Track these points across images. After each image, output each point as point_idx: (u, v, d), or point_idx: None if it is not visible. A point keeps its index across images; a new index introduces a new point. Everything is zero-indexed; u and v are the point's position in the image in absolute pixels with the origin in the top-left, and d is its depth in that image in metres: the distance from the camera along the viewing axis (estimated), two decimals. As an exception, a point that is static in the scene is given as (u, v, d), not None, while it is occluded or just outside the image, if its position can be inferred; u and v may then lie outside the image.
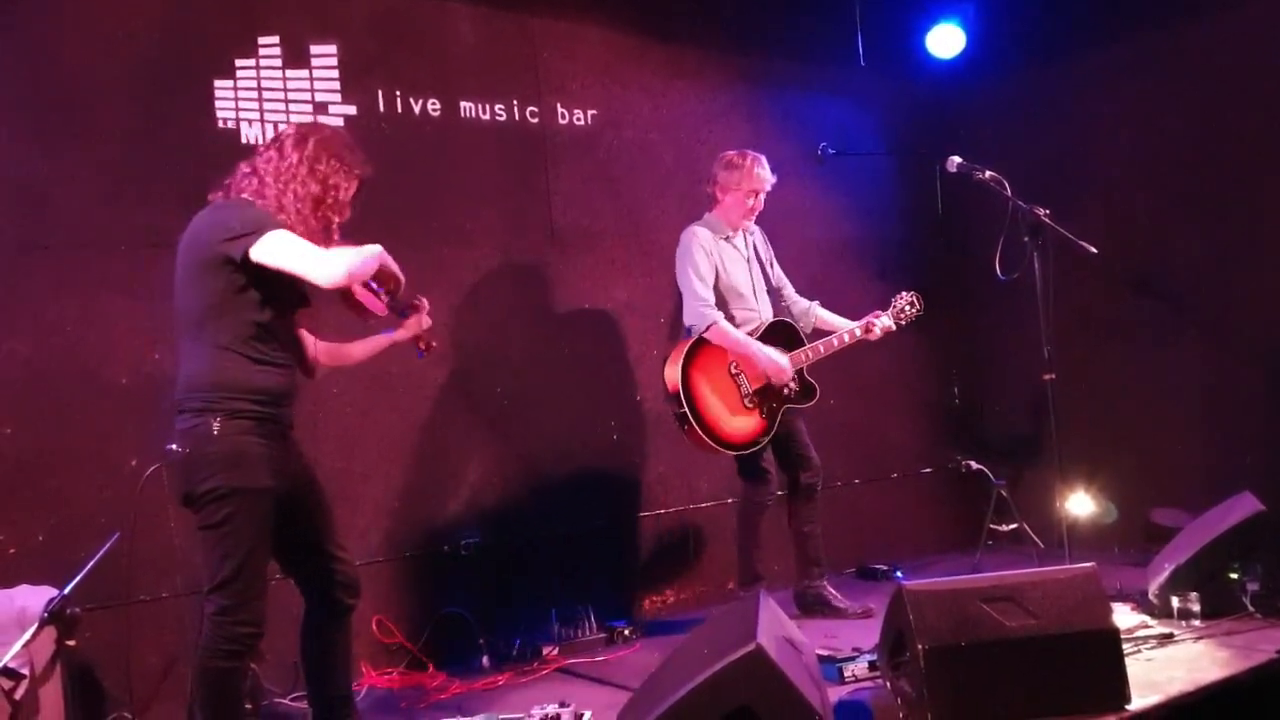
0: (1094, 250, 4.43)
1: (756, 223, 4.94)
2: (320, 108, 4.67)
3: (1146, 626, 4.02)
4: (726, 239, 4.81)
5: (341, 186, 3.24)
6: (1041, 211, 4.39)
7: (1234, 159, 5.41)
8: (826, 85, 6.26)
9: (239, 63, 4.51)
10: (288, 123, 4.50)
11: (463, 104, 5.06)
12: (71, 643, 3.49)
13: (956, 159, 4.65)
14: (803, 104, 6.14)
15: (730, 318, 4.67)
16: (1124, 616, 4.06)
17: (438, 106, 4.99)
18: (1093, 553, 4.36)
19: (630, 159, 5.57)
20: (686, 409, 4.50)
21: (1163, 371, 5.75)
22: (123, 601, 3.85)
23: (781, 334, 4.78)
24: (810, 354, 4.74)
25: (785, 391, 4.68)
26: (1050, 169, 5.89)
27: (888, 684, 3.53)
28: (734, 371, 4.64)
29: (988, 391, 6.41)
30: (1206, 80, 5.50)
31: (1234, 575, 4.13)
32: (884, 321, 4.83)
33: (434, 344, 3.66)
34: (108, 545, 3.66)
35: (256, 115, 4.52)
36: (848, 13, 6.11)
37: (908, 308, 4.90)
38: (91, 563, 3.59)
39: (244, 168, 3.24)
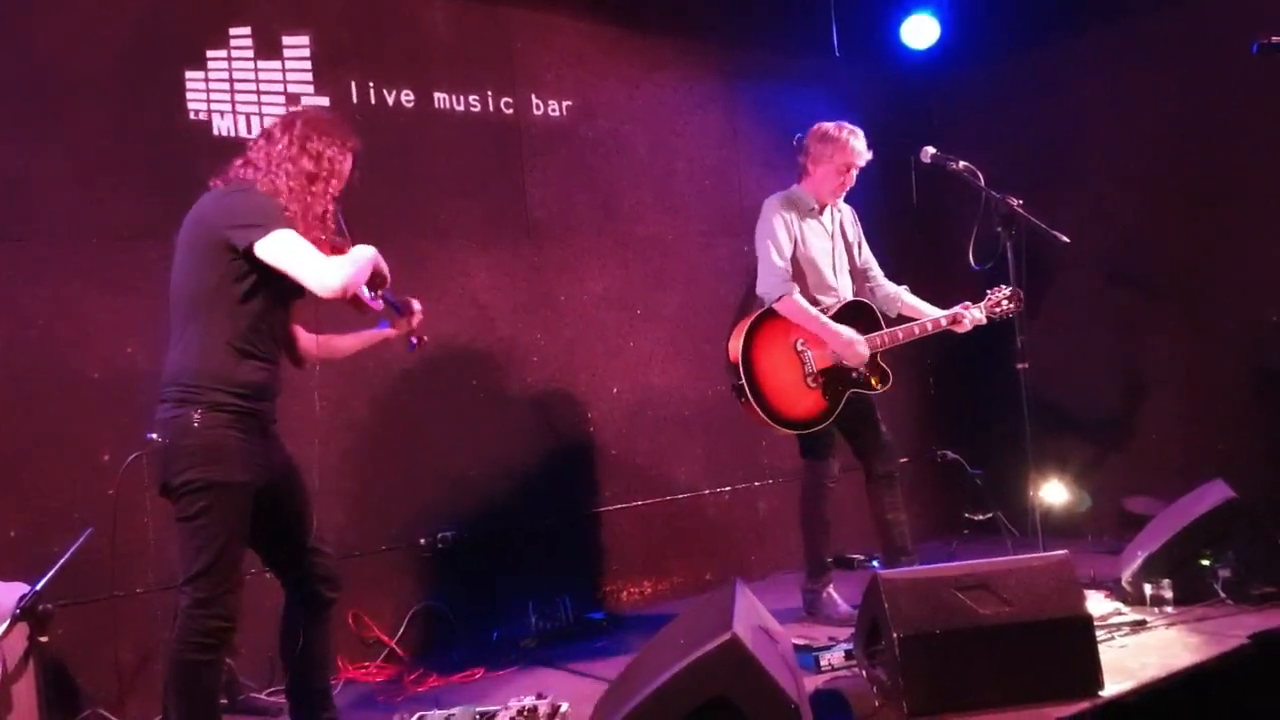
0: (1066, 240, 4.45)
1: (848, 202, 4.81)
2: (292, 99, 4.64)
3: (1120, 613, 4.06)
4: (811, 212, 4.67)
5: (335, 159, 3.22)
6: (1014, 201, 4.41)
7: (1211, 148, 5.44)
8: (801, 77, 6.27)
9: (210, 54, 4.48)
10: (259, 114, 4.50)
11: (437, 95, 5.04)
12: (44, 639, 3.46)
13: (930, 149, 4.64)
14: (778, 95, 6.14)
15: (806, 294, 4.54)
16: (1097, 603, 4.08)
17: (411, 97, 4.96)
18: (1066, 540, 4.39)
19: (606, 150, 5.55)
20: (744, 381, 4.40)
21: (1135, 360, 5.80)
22: (97, 597, 3.83)
23: (858, 315, 4.61)
24: (887, 339, 4.56)
25: (854, 375, 4.54)
26: (1026, 159, 5.91)
27: (864, 672, 3.55)
28: (799, 348, 4.50)
29: (963, 381, 6.44)
30: (1183, 68, 5.53)
31: (1206, 562, 4.16)
32: (974, 314, 4.62)
33: (425, 338, 3.68)
34: (80, 540, 3.63)
35: (228, 107, 4.49)
36: (823, 4, 6.11)
37: (1005, 302, 4.57)
38: (64, 558, 3.57)
39: (238, 161, 3.22)
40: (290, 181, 3.13)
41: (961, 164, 4.55)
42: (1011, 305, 4.60)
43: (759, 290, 4.57)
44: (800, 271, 4.59)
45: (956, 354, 5.82)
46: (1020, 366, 4.40)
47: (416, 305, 3.59)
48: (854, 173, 4.65)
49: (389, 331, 3.63)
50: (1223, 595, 4.11)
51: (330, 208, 3.22)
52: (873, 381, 4.61)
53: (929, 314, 4.71)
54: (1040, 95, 6.12)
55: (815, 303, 4.57)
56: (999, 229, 4.40)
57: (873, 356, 4.57)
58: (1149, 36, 5.66)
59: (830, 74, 6.28)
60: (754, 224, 4.67)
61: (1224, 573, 4.13)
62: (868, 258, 4.90)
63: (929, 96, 6.54)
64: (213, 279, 3.04)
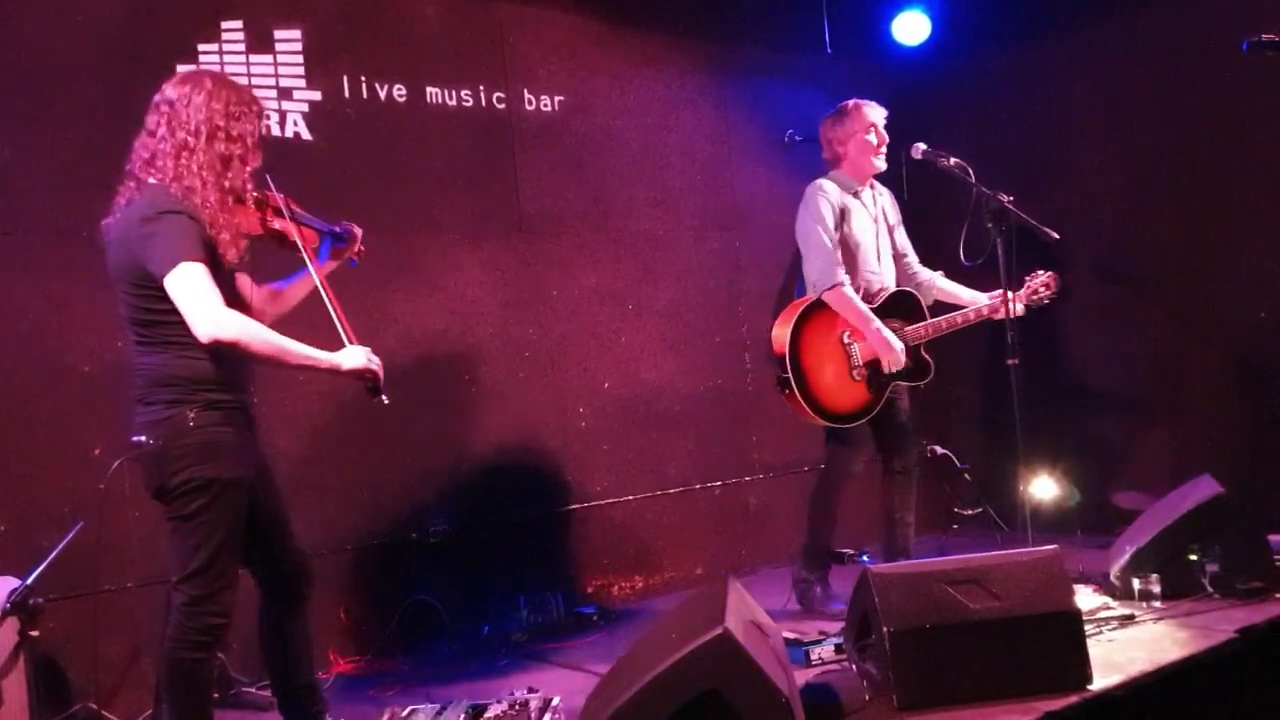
0: (1055, 236, 4.46)
1: (885, 185, 4.80)
2: (285, 93, 4.64)
3: (1108, 608, 4.07)
4: (855, 194, 4.64)
5: (248, 132, 3.12)
6: (1005, 198, 4.41)
7: (1202, 145, 5.44)
8: (793, 73, 6.27)
9: (202, 47, 4.46)
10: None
11: (429, 89, 5.03)
12: (35, 633, 3.46)
13: (921, 146, 4.65)
14: (770, 91, 6.15)
15: (851, 278, 4.51)
16: (1086, 598, 4.10)
17: (403, 92, 4.96)
18: (1055, 535, 4.42)
19: (598, 145, 5.55)
20: (790, 374, 4.33)
21: (1125, 356, 5.81)
22: (87, 591, 3.82)
23: (903, 305, 4.61)
24: (929, 330, 4.54)
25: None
26: (1017, 155, 5.92)
27: (854, 666, 3.57)
28: (846, 340, 4.46)
29: (953, 377, 6.45)
30: (1174, 65, 5.53)
31: (1194, 557, 4.17)
32: (1014, 306, 4.50)
33: (361, 249, 3.53)
34: (71, 535, 3.62)
35: (220, 100, 4.47)
36: (814, 1, 6.12)
37: (1042, 289, 4.58)
38: (54, 553, 3.56)
39: (141, 154, 3.10)
40: (202, 172, 3.02)
41: (952, 160, 4.55)
42: (1049, 291, 4.60)
43: (810, 277, 4.51)
44: (846, 253, 4.54)
45: (947, 350, 5.82)
46: (1011, 362, 4.42)
47: (357, 230, 3.49)
48: (881, 132, 4.65)
49: (331, 265, 3.47)
50: (1210, 590, 4.12)
51: (247, 179, 3.11)
52: (914, 374, 4.58)
53: (965, 298, 4.70)
54: (1031, 92, 6.13)
55: (860, 287, 4.54)
56: (989, 225, 4.41)
57: (915, 348, 4.55)
58: (1140, 34, 5.66)
59: (822, 70, 6.28)
60: (746, 219, 4.66)
61: (1212, 568, 4.14)
62: (905, 243, 4.87)
63: (920, 93, 6.53)
64: (159, 298, 2.94)
